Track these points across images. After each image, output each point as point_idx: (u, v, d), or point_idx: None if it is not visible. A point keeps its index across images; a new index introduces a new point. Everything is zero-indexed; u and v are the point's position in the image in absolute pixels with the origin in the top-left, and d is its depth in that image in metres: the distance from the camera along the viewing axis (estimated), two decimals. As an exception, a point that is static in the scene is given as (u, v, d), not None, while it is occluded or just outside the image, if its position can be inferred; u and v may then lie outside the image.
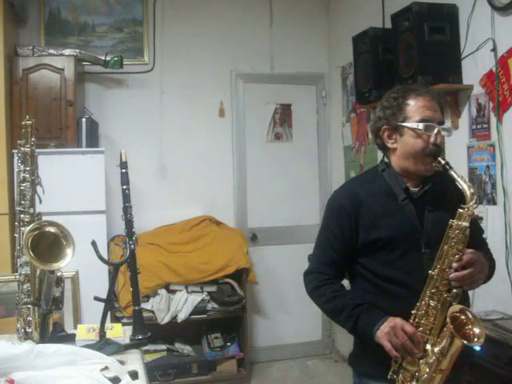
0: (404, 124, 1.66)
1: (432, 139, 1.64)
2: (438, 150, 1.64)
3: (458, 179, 1.59)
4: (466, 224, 1.57)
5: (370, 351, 1.65)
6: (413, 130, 1.65)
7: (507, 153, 2.62)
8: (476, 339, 1.51)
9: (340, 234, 1.73)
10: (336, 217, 1.75)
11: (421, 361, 1.56)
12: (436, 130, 1.64)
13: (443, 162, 1.62)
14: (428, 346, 1.56)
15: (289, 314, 4.48)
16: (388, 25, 3.27)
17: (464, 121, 2.92)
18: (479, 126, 2.80)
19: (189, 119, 4.38)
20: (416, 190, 1.72)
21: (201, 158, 4.40)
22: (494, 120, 2.69)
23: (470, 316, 1.54)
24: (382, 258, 1.68)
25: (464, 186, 1.59)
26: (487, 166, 2.73)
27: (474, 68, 2.82)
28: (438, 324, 1.58)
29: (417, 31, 2.85)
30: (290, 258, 4.47)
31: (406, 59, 2.94)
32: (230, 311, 3.92)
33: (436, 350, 1.54)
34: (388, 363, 1.59)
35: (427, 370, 1.54)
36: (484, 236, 1.92)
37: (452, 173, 1.60)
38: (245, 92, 4.52)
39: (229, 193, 4.49)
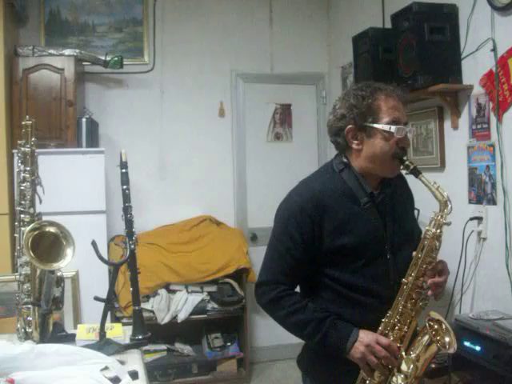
0: (374, 125, 1.57)
1: (401, 142, 1.57)
2: (405, 152, 1.59)
3: (430, 186, 1.54)
4: (439, 232, 1.53)
5: (328, 358, 1.60)
6: (383, 131, 1.56)
7: (507, 153, 2.61)
8: (447, 346, 1.51)
9: (300, 241, 1.58)
10: (296, 221, 1.59)
11: (395, 369, 1.52)
12: (405, 133, 1.58)
13: (412, 167, 1.56)
14: (403, 354, 1.53)
15: (289, 314, 4.47)
16: (388, 25, 3.27)
17: (464, 121, 2.92)
18: (479, 126, 2.80)
19: (189, 119, 4.38)
20: (376, 192, 1.65)
21: (201, 158, 4.40)
22: (494, 120, 2.69)
23: (444, 327, 1.53)
24: (347, 265, 1.58)
25: (436, 193, 1.53)
26: (487, 166, 2.73)
27: (474, 68, 2.82)
28: (410, 331, 1.55)
29: (417, 31, 2.85)
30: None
31: (406, 59, 2.94)
32: (230, 311, 3.92)
33: (413, 356, 1.52)
34: (349, 370, 1.55)
35: (402, 376, 1.51)
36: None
37: (423, 179, 1.54)
38: (245, 92, 4.52)
39: (229, 193, 4.49)
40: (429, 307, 1.60)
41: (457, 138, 2.97)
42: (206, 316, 3.89)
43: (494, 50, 2.65)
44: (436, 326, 1.54)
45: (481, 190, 2.77)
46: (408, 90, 2.83)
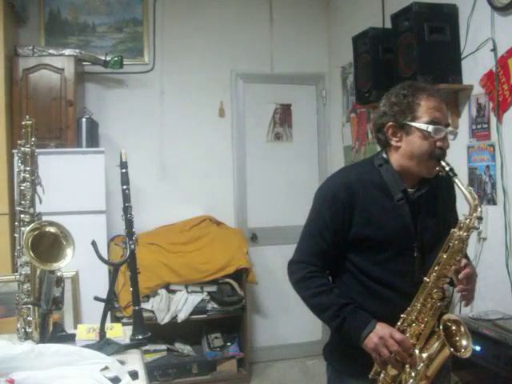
0: (412, 124, 1.60)
1: (439, 143, 1.60)
2: (443, 153, 1.61)
3: (462, 188, 1.55)
4: (466, 234, 1.54)
5: (350, 348, 1.62)
6: (421, 130, 1.59)
7: (507, 153, 2.62)
8: (463, 350, 1.51)
9: (332, 225, 1.66)
10: (329, 206, 1.67)
11: (406, 366, 1.54)
12: (444, 134, 1.60)
13: (447, 169, 1.58)
14: (416, 351, 1.54)
15: (289, 314, 4.47)
16: (388, 25, 3.27)
17: (464, 121, 2.92)
18: (479, 126, 2.80)
19: (189, 119, 4.38)
20: (412, 190, 1.67)
21: (201, 158, 4.40)
22: (493, 120, 2.69)
23: (462, 329, 1.53)
24: (372, 257, 1.63)
25: (468, 195, 1.55)
26: (487, 166, 2.73)
27: (474, 68, 2.82)
28: (427, 331, 1.56)
29: (417, 31, 2.85)
30: (289, 258, 4.46)
31: (406, 59, 2.94)
32: (230, 311, 3.92)
33: (424, 356, 1.53)
34: (368, 361, 1.57)
35: (413, 374, 1.53)
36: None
37: (457, 181, 1.57)
38: (245, 92, 4.52)
39: (229, 193, 4.49)
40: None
41: (457, 137, 2.97)
42: (205, 316, 3.90)
43: (494, 50, 2.66)
44: (454, 327, 1.54)
45: (481, 190, 2.77)
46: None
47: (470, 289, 1.57)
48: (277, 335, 4.49)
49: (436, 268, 1.56)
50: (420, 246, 1.63)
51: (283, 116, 4.63)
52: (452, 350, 1.49)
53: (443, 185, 1.72)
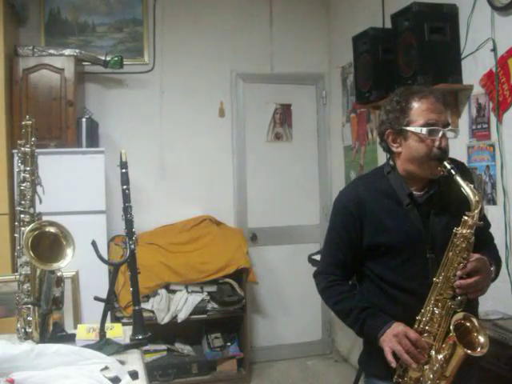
0: (407, 128, 1.63)
1: (437, 143, 1.61)
2: (443, 153, 1.61)
3: (464, 185, 1.57)
4: (470, 232, 1.55)
5: (377, 352, 1.65)
6: (416, 134, 1.62)
7: (507, 153, 2.62)
8: (479, 348, 1.51)
9: (346, 236, 1.73)
10: (341, 218, 1.75)
11: (425, 366, 1.56)
12: (441, 134, 1.61)
13: (449, 167, 1.59)
14: (432, 352, 1.56)
15: (289, 314, 4.48)
16: (388, 25, 3.27)
17: (464, 121, 2.92)
18: (479, 126, 2.80)
19: (189, 119, 4.38)
20: (421, 193, 1.70)
21: (201, 158, 4.40)
22: (493, 120, 2.69)
23: (475, 323, 1.54)
24: (386, 262, 1.67)
25: (469, 192, 1.56)
26: (487, 166, 2.73)
27: (474, 68, 2.82)
28: (443, 331, 1.57)
29: (417, 31, 2.85)
30: (289, 258, 4.47)
31: (406, 59, 2.94)
32: (230, 311, 3.92)
33: (440, 357, 1.54)
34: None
35: (431, 376, 1.54)
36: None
37: (457, 178, 1.58)
38: (245, 92, 4.52)
39: (229, 193, 4.49)
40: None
41: (457, 137, 2.97)
42: (205, 316, 3.90)
43: (494, 50, 2.66)
44: (468, 324, 1.55)
45: (481, 190, 2.77)
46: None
47: (470, 283, 1.55)
48: (277, 335, 4.49)
49: (444, 268, 1.57)
50: (432, 247, 1.64)
51: (283, 116, 4.63)
52: (466, 350, 1.49)
53: (455, 189, 1.70)
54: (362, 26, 3.52)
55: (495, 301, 2.64)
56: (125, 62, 4.05)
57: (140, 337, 1.86)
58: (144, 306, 3.57)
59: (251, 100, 4.54)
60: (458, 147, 2.94)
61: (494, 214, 2.69)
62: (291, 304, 4.49)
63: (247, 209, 4.52)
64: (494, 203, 2.69)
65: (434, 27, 2.86)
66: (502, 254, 2.62)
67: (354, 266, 1.76)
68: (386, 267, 1.67)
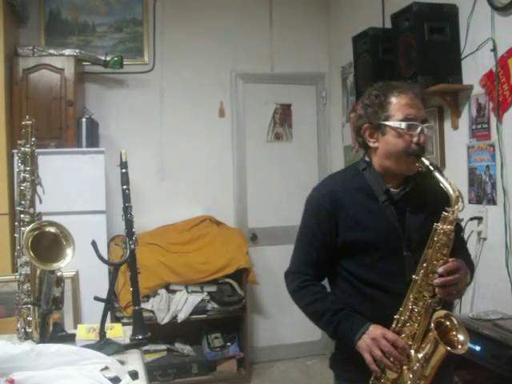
0: (386, 123, 1.60)
1: (415, 139, 1.58)
2: (420, 149, 1.59)
3: (443, 181, 1.54)
4: (450, 228, 1.52)
5: (351, 355, 1.59)
6: (395, 129, 1.59)
7: (507, 153, 2.62)
8: (460, 346, 1.48)
9: (320, 234, 1.67)
10: (315, 216, 1.69)
11: (404, 367, 1.52)
12: (419, 129, 1.59)
13: (427, 163, 1.56)
14: (412, 352, 1.52)
15: (289, 314, 4.47)
16: (388, 25, 3.27)
17: (464, 121, 2.92)
18: (479, 126, 2.80)
19: (189, 119, 4.38)
20: (397, 190, 1.66)
21: (201, 158, 4.40)
22: (493, 120, 2.69)
23: (455, 322, 1.51)
24: (361, 260, 1.62)
25: (448, 188, 1.53)
26: (487, 166, 2.73)
27: (474, 68, 2.82)
28: (422, 330, 1.53)
29: (417, 31, 2.85)
30: (289, 258, 4.46)
31: (406, 59, 2.94)
32: (230, 311, 3.92)
33: (420, 356, 1.51)
34: (369, 368, 1.54)
35: (410, 376, 1.50)
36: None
37: (436, 174, 1.55)
38: (245, 92, 4.52)
39: (229, 193, 4.49)
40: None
41: (457, 137, 2.97)
42: (205, 316, 3.90)
43: (494, 50, 2.66)
44: (448, 323, 1.52)
45: (481, 190, 2.77)
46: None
47: (450, 280, 1.51)
48: (277, 335, 4.49)
49: (424, 265, 1.53)
50: (409, 245, 1.61)
51: (283, 116, 4.63)
52: (448, 347, 1.46)
53: (433, 185, 1.67)
54: (362, 26, 3.52)
55: (495, 301, 2.65)
56: (125, 62, 4.05)
57: (140, 337, 1.86)
58: (144, 305, 3.57)
59: (251, 100, 4.53)
60: (458, 147, 2.94)
61: (494, 214, 2.70)
62: (291, 304, 4.43)
63: (247, 209, 4.52)
64: (494, 203, 2.69)
65: (434, 27, 2.87)
66: (502, 253, 2.63)
67: (327, 265, 1.70)
68: (360, 265, 1.62)
